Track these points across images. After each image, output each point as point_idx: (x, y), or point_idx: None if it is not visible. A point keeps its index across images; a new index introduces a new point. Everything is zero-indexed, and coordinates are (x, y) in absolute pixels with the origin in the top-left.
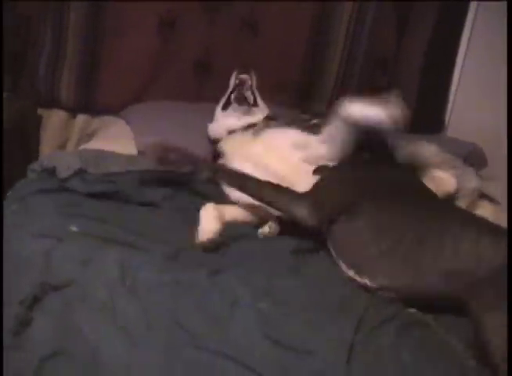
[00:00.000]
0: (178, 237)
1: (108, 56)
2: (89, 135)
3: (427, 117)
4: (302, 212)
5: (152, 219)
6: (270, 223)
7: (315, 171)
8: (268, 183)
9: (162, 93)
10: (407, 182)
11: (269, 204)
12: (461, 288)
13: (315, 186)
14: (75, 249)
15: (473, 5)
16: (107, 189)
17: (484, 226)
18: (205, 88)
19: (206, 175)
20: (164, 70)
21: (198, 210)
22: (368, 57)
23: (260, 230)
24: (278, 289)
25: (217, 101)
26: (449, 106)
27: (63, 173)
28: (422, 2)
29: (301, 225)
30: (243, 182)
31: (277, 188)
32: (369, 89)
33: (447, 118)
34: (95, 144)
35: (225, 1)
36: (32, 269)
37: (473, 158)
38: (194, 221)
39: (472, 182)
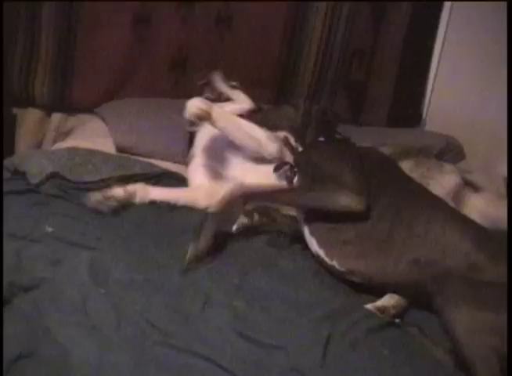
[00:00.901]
0: (149, 236)
1: (82, 53)
2: (65, 134)
3: (404, 110)
4: (347, 201)
5: (126, 218)
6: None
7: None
8: (296, 189)
9: (137, 90)
10: (384, 163)
11: (310, 206)
12: (429, 278)
13: (331, 171)
14: (46, 249)
15: None
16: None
17: (452, 215)
18: (181, 84)
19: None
20: (139, 67)
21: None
22: (345, 50)
23: (235, 226)
24: (251, 286)
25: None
26: (426, 99)
27: (35, 178)
28: None
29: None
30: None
31: (307, 188)
32: None
33: (424, 112)
34: (71, 143)
35: None
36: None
37: (450, 151)
38: (167, 218)
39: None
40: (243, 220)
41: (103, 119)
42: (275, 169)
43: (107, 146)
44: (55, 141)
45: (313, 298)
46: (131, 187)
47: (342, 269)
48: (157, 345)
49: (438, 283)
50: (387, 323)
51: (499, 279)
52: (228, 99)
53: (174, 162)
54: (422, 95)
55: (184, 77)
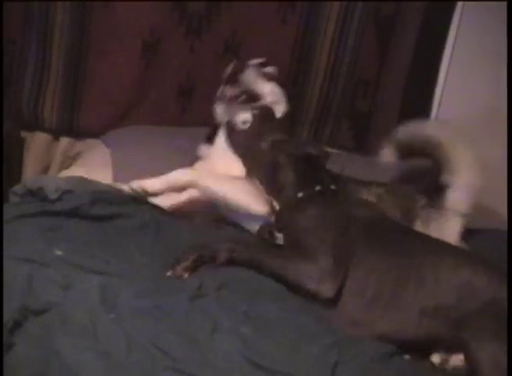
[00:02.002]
0: (159, 261)
1: (91, 78)
2: (72, 159)
3: None
4: (314, 287)
5: (138, 242)
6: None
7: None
8: (277, 253)
9: (145, 117)
10: (374, 217)
11: (281, 276)
12: (446, 327)
13: (309, 239)
14: (57, 274)
15: (453, 27)
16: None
17: (457, 256)
18: (188, 113)
19: (223, 260)
20: (147, 94)
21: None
22: (349, 80)
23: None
24: (259, 314)
25: (199, 126)
26: None
27: (53, 194)
28: (403, 24)
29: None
30: (258, 257)
31: (286, 258)
32: None
33: None
34: (75, 171)
35: (207, 22)
36: (14, 293)
37: None
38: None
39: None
40: None
41: (109, 148)
42: (258, 233)
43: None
44: (62, 165)
45: (320, 326)
46: None
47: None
48: (167, 370)
49: (459, 324)
50: (394, 353)
51: None
52: (255, 98)
53: None
54: None
55: (191, 105)
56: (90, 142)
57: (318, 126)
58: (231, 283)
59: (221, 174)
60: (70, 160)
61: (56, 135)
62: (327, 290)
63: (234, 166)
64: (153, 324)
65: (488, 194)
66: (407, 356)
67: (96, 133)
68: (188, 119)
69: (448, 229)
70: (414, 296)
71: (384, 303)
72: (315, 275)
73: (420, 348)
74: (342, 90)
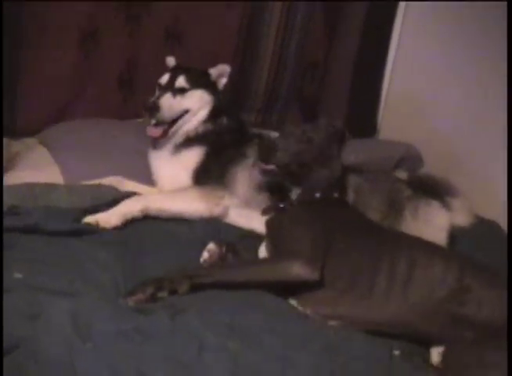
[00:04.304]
0: (120, 281)
1: (26, 73)
2: (9, 160)
3: (359, 121)
4: (299, 271)
5: (93, 254)
6: (209, 246)
7: (265, 212)
8: (245, 263)
9: (85, 111)
10: (354, 218)
11: (260, 281)
12: (420, 317)
13: (290, 237)
14: (20, 301)
15: (401, 7)
16: (43, 224)
17: (431, 250)
18: (129, 103)
19: (185, 289)
20: (87, 87)
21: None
22: (298, 63)
23: (201, 258)
24: (243, 325)
25: (142, 117)
26: (381, 109)
27: None
28: (350, 6)
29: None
30: (223, 276)
31: (257, 262)
32: None
33: (379, 121)
34: (20, 175)
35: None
36: None
37: (409, 159)
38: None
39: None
40: (205, 254)
41: (47, 146)
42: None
43: (57, 177)
44: None
45: (305, 330)
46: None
47: (318, 317)
48: None
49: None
50: (388, 355)
51: (488, 300)
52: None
53: None
54: (376, 105)
55: (132, 96)
56: (28, 141)
57: (266, 111)
58: (207, 295)
59: (165, 190)
60: (7, 162)
61: None
62: (311, 272)
63: (179, 173)
64: (135, 350)
65: None
66: (397, 352)
67: (35, 131)
68: (129, 110)
69: (437, 221)
70: (386, 288)
71: (360, 291)
72: (297, 262)
73: (413, 341)
74: (290, 74)
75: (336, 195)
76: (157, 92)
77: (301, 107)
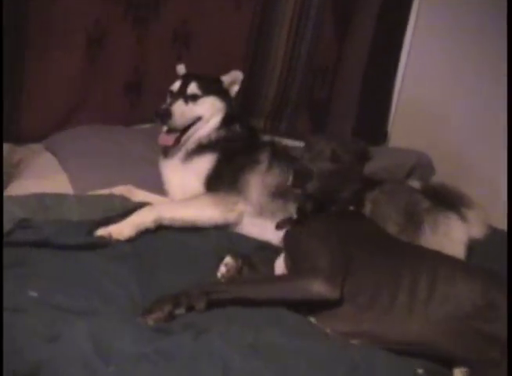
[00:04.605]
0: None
1: (31, 77)
2: (14, 166)
3: (369, 127)
4: (320, 290)
5: (108, 268)
6: (226, 260)
7: (278, 226)
8: (264, 280)
9: (91, 116)
10: (372, 232)
11: (278, 299)
12: (445, 335)
13: (309, 252)
14: (37, 322)
15: (413, 14)
16: (54, 238)
17: (454, 266)
18: (136, 109)
19: (202, 305)
20: (93, 92)
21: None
22: (308, 68)
23: (219, 272)
24: (266, 346)
25: (149, 123)
26: (391, 116)
27: (5, 226)
28: (361, 11)
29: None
30: (240, 293)
31: (275, 279)
32: None
33: (389, 129)
34: (26, 184)
35: (154, 12)
36: None
37: (421, 167)
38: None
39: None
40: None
41: (54, 153)
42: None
43: (64, 185)
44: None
45: (328, 350)
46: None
47: (338, 335)
48: None
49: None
50: (411, 374)
51: None
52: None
53: None
54: (387, 111)
55: (139, 101)
56: (33, 147)
57: (275, 117)
58: (229, 314)
59: (176, 198)
60: (11, 169)
61: None
62: (332, 290)
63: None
64: (158, 373)
65: None
66: (420, 371)
67: (39, 137)
68: (136, 115)
69: (456, 234)
70: (408, 304)
71: (381, 307)
72: (317, 280)
73: (436, 360)
74: (301, 79)
75: (351, 208)
76: (169, 99)
77: (311, 113)
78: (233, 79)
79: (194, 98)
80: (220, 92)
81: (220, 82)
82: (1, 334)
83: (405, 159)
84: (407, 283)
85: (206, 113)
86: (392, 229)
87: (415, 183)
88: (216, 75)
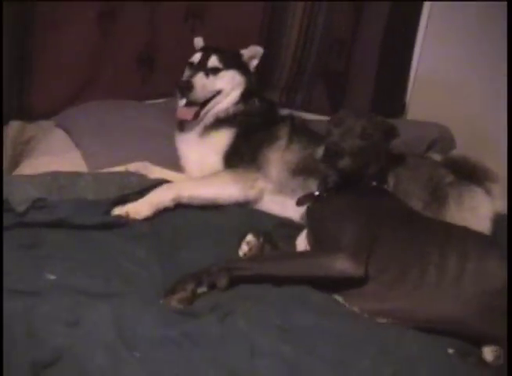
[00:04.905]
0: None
1: (41, 52)
2: (24, 143)
3: (386, 99)
4: (343, 267)
5: (126, 248)
6: (248, 238)
7: (299, 202)
8: (286, 256)
9: (102, 92)
10: (397, 208)
11: (301, 276)
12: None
13: (333, 228)
14: (56, 306)
15: None
16: (71, 218)
17: (484, 242)
18: (148, 84)
19: (224, 282)
20: (104, 67)
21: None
22: (324, 40)
23: (241, 251)
24: (294, 328)
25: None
26: (409, 88)
27: (21, 206)
28: None
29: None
30: (263, 269)
31: (298, 255)
32: None
33: (407, 100)
34: (38, 162)
35: None
36: (17, 344)
37: (441, 140)
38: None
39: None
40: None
41: (66, 130)
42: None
43: (78, 162)
44: (13, 152)
45: (357, 331)
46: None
47: (366, 314)
48: None
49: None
50: (444, 354)
51: None
52: None
53: None
54: (405, 83)
55: (151, 76)
56: (43, 124)
57: (290, 90)
58: (254, 294)
59: (194, 175)
60: (22, 146)
61: (4, 118)
62: (356, 268)
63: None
64: (184, 357)
65: None
66: (451, 350)
67: (50, 114)
68: (148, 90)
69: (482, 209)
70: (437, 282)
71: (409, 285)
72: (340, 257)
73: (465, 339)
74: (317, 50)
75: (374, 183)
76: (188, 72)
77: (327, 85)
78: (253, 54)
79: (215, 71)
80: (240, 66)
81: (240, 56)
82: (1, 334)
83: (425, 132)
84: (435, 260)
85: (226, 87)
86: (416, 204)
87: (435, 156)
88: (235, 49)
